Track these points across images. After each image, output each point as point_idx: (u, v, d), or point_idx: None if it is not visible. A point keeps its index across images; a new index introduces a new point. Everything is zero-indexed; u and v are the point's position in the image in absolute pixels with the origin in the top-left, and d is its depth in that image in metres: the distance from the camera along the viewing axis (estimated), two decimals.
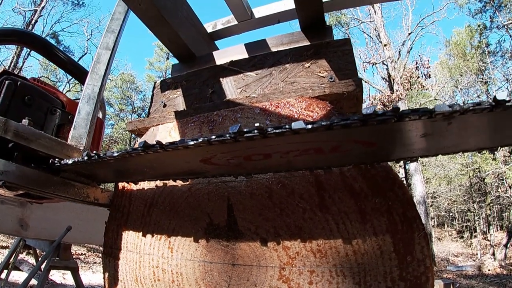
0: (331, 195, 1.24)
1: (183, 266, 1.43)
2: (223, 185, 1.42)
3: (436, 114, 0.75)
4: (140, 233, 1.59)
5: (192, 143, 0.89)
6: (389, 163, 1.21)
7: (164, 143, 0.97)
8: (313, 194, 1.26)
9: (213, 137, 0.86)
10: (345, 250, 1.19)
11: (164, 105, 1.95)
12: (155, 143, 0.97)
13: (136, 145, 1.66)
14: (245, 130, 0.82)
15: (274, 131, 0.79)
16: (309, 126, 0.76)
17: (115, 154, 1.11)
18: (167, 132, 1.70)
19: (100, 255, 12.63)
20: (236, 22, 2.36)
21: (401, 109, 0.76)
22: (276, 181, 1.32)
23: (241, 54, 1.98)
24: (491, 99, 0.74)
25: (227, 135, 0.84)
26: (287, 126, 0.78)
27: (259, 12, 2.32)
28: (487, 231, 25.59)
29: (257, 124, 0.78)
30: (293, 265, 1.23)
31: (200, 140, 0.87)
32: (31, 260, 7.15)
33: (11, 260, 5.75)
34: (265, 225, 1.31)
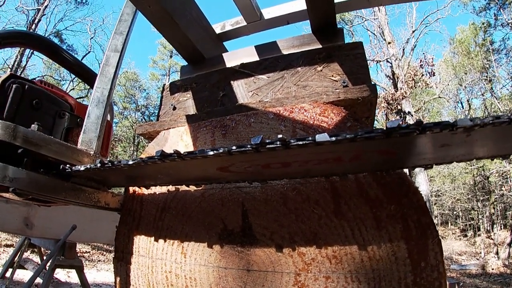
0: (346, 201, 1.24)
1: (196, 271, 1.43)
2: (237, 191, 1.41)
3: (458, 127, 0.75)
4: (152, 238, 1.59)
5: (211, 153, 0.88)
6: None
7: (181, 152, 0.96)
8: (329, 200, 1.26)
9: (234, 147, 0.85)
10: (361, 256, 1.19)
11: (174, 108, 1.95)
12: (172, 152, 0.96)
13: (150, 152, 1.66)
14: (267, 141, 0.81)
15: (297, 142, 0.78)
16: (333, 139, 0.75)
17: (130, 162, 1.11)
18: (178, 136, 1.70)
19: (105, 253, 12.70)
20: (245, 23, 2.35)
21: (424, 122, 0.76)
22: (291, 187, 1.31)
23: (251, 56, 1.97)
24: (510, 113, 0.74)
25: (249, 146, 0.83)
26: (310, 138, 0.77)
27: (268, 13, 2.31)
28: (491, 230, 25.53)
29: (280, 136, 0.78)
30: (309, 271, 1.23)
31: (220, 150, 0.86)
32: (36, 258, 7.18)
33: (16, 258, 5.78)
34: (280, 231, 1.30)
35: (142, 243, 1.62)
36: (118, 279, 1.67)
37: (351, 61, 1.60)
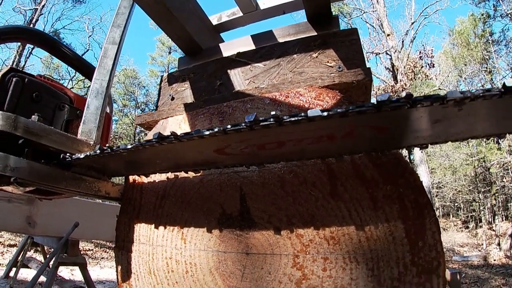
0: (343, 182, 1.25)
1: (196, 256, 1.45)
2: (235, 175, 1.43)
3: (448, 100, 0.76)
4: (153, 225, 1.61)
5: (207, 133, 0.90)
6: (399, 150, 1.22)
7: (178, 134, 0.98)
8: (325, 182, 1.27)
9: (229, 126, 0.87)
10: (358, 236, 1.20)
11: (172, 98, 1.96)
12: (169, 134, 0.98)
13: (149, 136, 1.68)
14: (261, 118, 0.83)
15: (290, 119, 0.80)
16: (325, 114, 0.76)
17: (129, 147, 1.12)
18: (177, 124, 1.71)
19: (108, 250, 12.75)
20: (241, 14, 2.35)
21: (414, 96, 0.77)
22: (288, 170, 1.33)
23: (248, 45, 1.98)
24: (500, 85, 0.75)
25: (243, 124, 0.85)
26: (302, 114, 0.79)
27: (264, 3, 2.32)
28: (492, 221, 25.54)
29: (273, 113, 0.79)
30: (307, 253, 1.25)
31: (215, 129, 0.88)
32: (39, 257, 7.22)
33: (19, 258, 5.82)
34: (278, 213, 1.32)
35: (142, 231, 1.64)
36: (119, 267, 1.69)
37: (346, 47, 1.61)
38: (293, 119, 0.80)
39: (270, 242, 1.32)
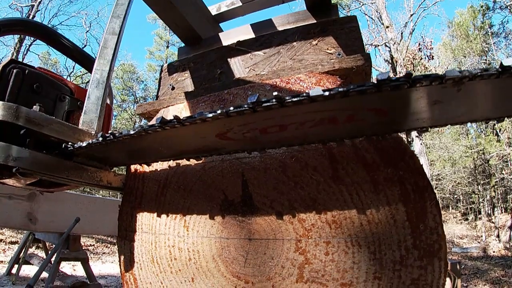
0: (344, 166, 1.26)
1: (199, 243, 1.46)
2: (237, 162, 1.44)
3: (447, 79, 0.76)
4: (155, 214, 1.62)
5: (210, 115, 0.90)
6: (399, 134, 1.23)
7: (181, 117, 0.98)
8: (327, 166, 1.28)
9: (231, 108, 0.87)
10: (360, 220, 1.21)
11: (173, 88, 1.97)
12: (172, 118, 0.98)
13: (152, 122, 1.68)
14: (263, 99, 0.83)
15: (292, 99, 0.80)
16: (327, 93, 0.77)
17: (132, 132, 1.12)
18: (178, 112, 1.72)
19: (109, 245, 12.80)
20: (240, 4, 2.35)
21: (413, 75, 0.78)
22: (289, 155, 1.34)
23: (247, 34, 1.98)
24: (498, 66, 0.75)
25: (246, 106, 0.85)
26: (304, 94, 0.79)
27: None
28: (492, 213, 25.64)
29: (275, 93, 0.80)
30: (309, 237, 1.26)
31: (218, 112, 0.88)
32: (41, 253, 7.26)
33: (21, 254, 5.85)
34: (280, 198, 1.33)
35: (145, 220, 1.65)
36: (122, 257, 1.70)
37: (345, 34, 1.61)
38: (295, 99, 0.80)
39: (272, 227, 1.33)
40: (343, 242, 1.22)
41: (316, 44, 1.64)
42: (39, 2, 23.66)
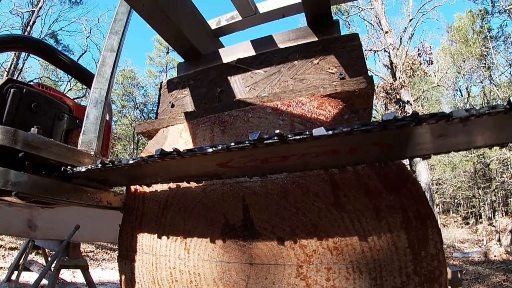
0: (346, 193, 1.25)
1: (200, 266, 1.45)
2: (238, 186, 1.42)
3: (453, 118, 0.75)
4: (156, 235, 1.61)
5: (210, 150, 0.89)
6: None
7: (181, 150, 0.97)
8: (328, 192, 1.27)
9: (232, 144, 0.86)
10: (361, 247, 1.20)
11: (172, 105, 1.95)
12: (172, 150, 0.97)
13: (150, 150, 1.67)
14: (265, 137, 0.82)
15: (294, 137, 0.79)
16: (330, 133, 0.76)
17: (131, 162, 1.12)
18: (177, 133, 1.71)
19: (109, 252, 12.75)
20: (240, 18, 2.34)
21: (419, 114, 0.76)
22: (291, 180, 1.33)
23: (248, 51, 1.97)
24: (505, 102, 0.75)
25: (247, 142, 0.84)
26: (307, 132, 0.78)
27: (263, 7, 2.31)
28: (493, 217, 25.61)
29: (277, 131, 0.79)
30: (310, 263, 1.25)
31: (219, 147, 0.87)
32: (41, 260, 7.22)
33: (21, 261, 5.81)
34: (281, 224, 1.32)
35: (145, 240, 1.64)
36: (123, 277, 1.69)
37: (347, 53, 1.61)
38: (297, 137, 0.79)
39: (273, 253, 1.31)
40: (344, 268, 1.21)
41: (318, 63, 1.63)
42: (40, 8, 23.75)
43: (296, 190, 1.32)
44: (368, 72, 1.52)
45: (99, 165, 1.22)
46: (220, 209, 1.45)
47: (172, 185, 1.59)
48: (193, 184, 1.51)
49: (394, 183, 1.20)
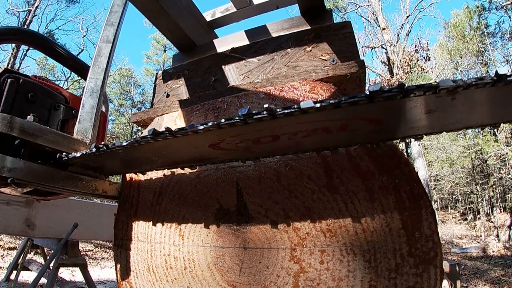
0: (338, 175, 1.26)
1: (194, 252, 1.45)
2: (231, 171, 1.43)
3: (441, 89, 0.76)
4: (150, 223, 1.61)
5: (201, 127, 0.90)
6: (394, 142, 1.22)
7: (173, 129, 0.98)
8: (321, 175, 1.28)
9: (223, 120, 0.87)
10: (355, 228, 1.21)
11: (167, 95, 1.96)
12: (164, 129, 0.98)
13: (145, 133, 1.67)
14: (254, 112, 0.83)
15: (283, 111, 0.80)
16: (318, 105, 0.77)
17: (124, 143, 1.12)
18: (172, 121, 1.71)
19: (108, 250, 12.74)
20: (235, 10, 2.35)
21: (406, 85, 0.77)
22: (284, 164, 1.33)
23: (242, 41, 1.98)
24: (493, 75, 0.75)
25: (237, 118, 0.85)
26: (295, 106, 0.79)
27: None
28: (491, 213, 25.70)
29: (266, 105, 0.79)
30: (304, 246, 1.25)
31: (209, 124, 0.88)
32: (40, 259, 7.22)
33: (19, 260, 5.81)
34: (275, 207, 1.33)
35: (140, 228, 1.65)
36: (118, 266, 1.69)
37: (340, 40, 1.61)
38: (286, 111, 0.80)
39: (267, 236, 1.32)
40: (338, 250, 1.22)
41: (310, 50, 1.64)
42: (36, 7, 23.67)
43: (289, 173, 1.32)
44: (360, 56, 1.53)
45: (94, 149, 1.23)
46: (214, 194, 1.46)
47: (167, 172, 1.60)
48: (187, 171, 1.52)
49: (387, 164, 1.21)
